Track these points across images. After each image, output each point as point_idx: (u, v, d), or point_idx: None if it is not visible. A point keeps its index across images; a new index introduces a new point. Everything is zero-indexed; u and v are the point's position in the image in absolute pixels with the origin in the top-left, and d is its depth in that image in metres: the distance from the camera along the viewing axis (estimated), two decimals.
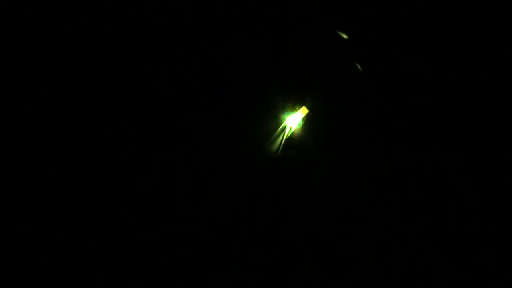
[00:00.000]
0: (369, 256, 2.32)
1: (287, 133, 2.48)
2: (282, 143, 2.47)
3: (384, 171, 2.44)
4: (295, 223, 2.39)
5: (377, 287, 2.28)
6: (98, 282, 2.19)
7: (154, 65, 2.47)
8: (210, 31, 2.49)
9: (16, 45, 2.35)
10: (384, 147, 2.46)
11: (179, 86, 2.48)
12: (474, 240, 2.30)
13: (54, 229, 2.23)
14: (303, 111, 2.48)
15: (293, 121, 2.48)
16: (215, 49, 2.50)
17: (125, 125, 2.40)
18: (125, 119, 2.40)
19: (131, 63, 2.45)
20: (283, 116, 2.49)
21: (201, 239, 2.32)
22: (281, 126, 2.49)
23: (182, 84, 2.48)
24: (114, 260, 2.24)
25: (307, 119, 2.48)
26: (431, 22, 2.37)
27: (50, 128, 2.35)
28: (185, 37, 2.49)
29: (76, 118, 2.36)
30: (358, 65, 2.41)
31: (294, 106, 2.48)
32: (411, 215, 2.37)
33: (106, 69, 2.43)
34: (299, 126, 2.49)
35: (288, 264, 2.31)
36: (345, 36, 2.35)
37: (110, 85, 2.43)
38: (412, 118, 2.46)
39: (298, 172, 2.47)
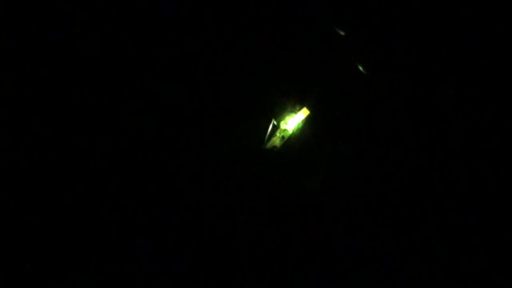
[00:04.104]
0: (368, 254, 2.33)
1: (288, 132, 2.49)
2: (283, 142, 2.49)
3: (384, 170, 2.45)
4: (295, 220, 2.40)
5: (376, 284, 2.29)
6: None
7: (151, 66, 2.48)
8: (210, 32, 2.51)
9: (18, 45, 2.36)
10: (384, 146, 2.47)
11: (179, 86, 2.50)
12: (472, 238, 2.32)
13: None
14: (304, 112, 2.50)
15: (294, 120, 2.49)
16: (215, 49, 2.52)
17: (120, 130, 2.42)
18: (122, 121, 2.42)
19: (128, 64, 2.46)
20: (284, 116, 2.50)
21: (202, 236, 2.34)
22: (281, 126, 2.49)
23: (182, 84, 2.50)
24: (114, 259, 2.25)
25: (307, 119, 2.49)
26: (433, 21, 2.36)
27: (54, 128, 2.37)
28: (184, 37, 2.50)
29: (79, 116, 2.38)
30: (360, 66, 2.41)
31: (295, 106, 2.50)
32: (412, 214, 2.38)
33: (105, 70, 2.44)
34: (300, 126, 2.51)
35: (288, 260, 2.32)
36: (342, 33, 2.34)
37: (110, 85, 2.44)
38: (412, 118, 2.47)
39: (299, 170, 2.48)
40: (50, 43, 2.38)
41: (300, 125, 2.50)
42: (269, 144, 2.48)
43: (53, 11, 2.39)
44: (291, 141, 2.50)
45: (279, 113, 2.49)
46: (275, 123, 2.45)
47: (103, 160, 2.36)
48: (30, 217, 2.26)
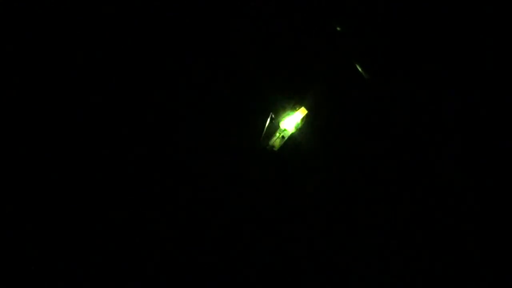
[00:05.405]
0: (367, 255, 2.33)
1: (288, 132, 2.49)
2: (282, 142, 2.49)
3: (384, 170, 2.45)
4: (294, 219, 2.40)
5: (375, 284, 2.30)
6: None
7: (151, 65, 2.48)
8: (208, 31, 2.51)
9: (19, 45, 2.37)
10: (384, 146, 2.47)
11: (180, 85, 2.50)
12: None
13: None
14: (302, 112, 2.50)
15: (293, 120, 2.49)
16: (214, 49, 2.52)
17: (120, 129, 2.42)
18: (123, 121, 2.42)
19: (126, 63, 2.46)
20: (283, 116, 2.50)
21: (202, 235, 2.34)
22: (280, 126, 2.49)
23: (183, 83, 2.50)
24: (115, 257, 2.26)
25: (306, 119, 2.50)
26: (434, 20, 2.35)
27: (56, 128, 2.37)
28: (183, 36, 2.50)
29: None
30: (358, 66, 2.42)
31: (294, 107, 2.50)
32: (411, 215, 2.38)
33: (103, 69, 2.44)
34: (298, 126, 2.51)
35: (286, 260, 2.33)
36: (338, 28, 2.35)
37: (110, 85, 2.44)
38: (412, 118, 2.47)
39: (297, 170, 2.48)
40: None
41: (300, 125, 2.50)
42: (269, 145, 2.48)
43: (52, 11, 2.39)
44: (291, 142, 2.50)
45: (278, 112, 2.49)
46: (273, 116, 2.44)
47: (102, 161, 2.37)
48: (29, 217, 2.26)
